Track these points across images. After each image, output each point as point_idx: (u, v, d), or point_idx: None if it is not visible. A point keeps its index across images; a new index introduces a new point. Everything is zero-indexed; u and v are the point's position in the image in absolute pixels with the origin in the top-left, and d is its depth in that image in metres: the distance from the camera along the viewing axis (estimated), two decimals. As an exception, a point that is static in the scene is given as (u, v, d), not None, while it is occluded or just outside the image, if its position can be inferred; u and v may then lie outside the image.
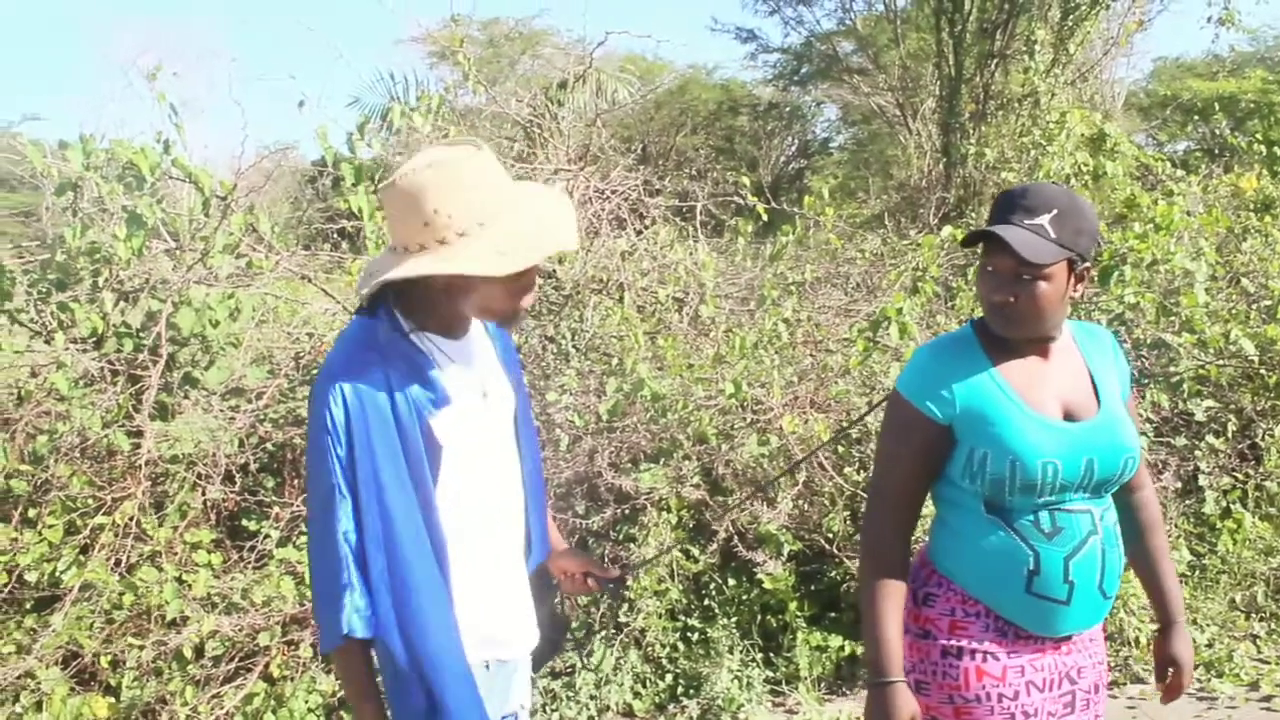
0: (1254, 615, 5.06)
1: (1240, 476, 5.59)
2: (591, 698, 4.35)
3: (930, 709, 2.18)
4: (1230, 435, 5.65)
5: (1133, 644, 4.73)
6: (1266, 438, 5.69)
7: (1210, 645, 4.77)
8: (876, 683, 2.11)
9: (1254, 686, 4.54)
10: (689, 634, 4.59)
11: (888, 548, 2.16)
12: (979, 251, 2.16)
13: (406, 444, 2.00)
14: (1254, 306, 6.17)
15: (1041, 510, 2.11)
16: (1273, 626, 5.01)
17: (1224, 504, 5.49)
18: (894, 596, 2.14)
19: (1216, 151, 13.71)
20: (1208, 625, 4.90)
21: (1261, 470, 5.59)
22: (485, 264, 1.95)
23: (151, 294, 4.71)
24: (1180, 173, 8.33)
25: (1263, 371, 5.81)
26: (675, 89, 21.89)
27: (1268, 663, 4.73)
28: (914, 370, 2.18)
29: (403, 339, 2.05)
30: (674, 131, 20.48)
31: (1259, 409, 5.81)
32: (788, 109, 21.46)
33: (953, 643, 2.16)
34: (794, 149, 22.83)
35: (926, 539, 2.33)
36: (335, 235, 5.91)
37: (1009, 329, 2.12)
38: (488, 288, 2.03)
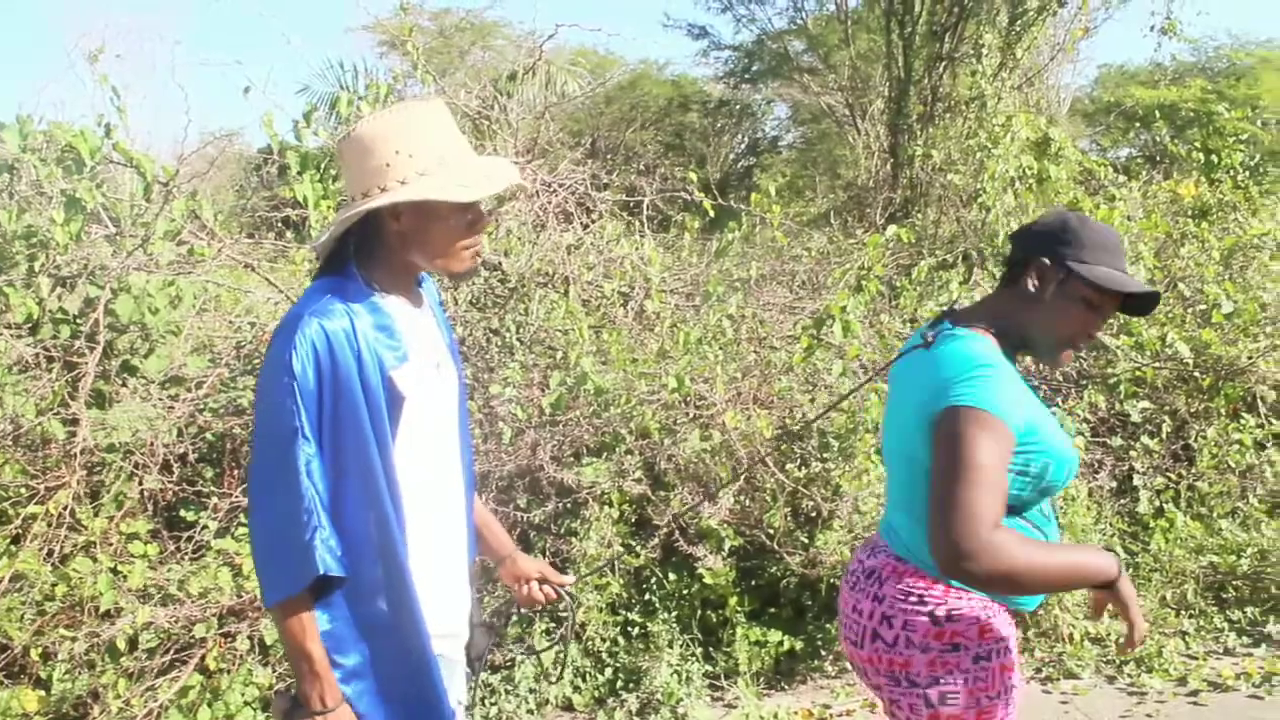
0: (1184, 612, 5.16)
1: (1173, 477, 5.71)
2: (531, 691, 4.35)
3: (953, 719, 2.19)
4: (1164, 436, 5.77)
5: (1066, 640, 4.81)
6: (1199, 439, 5.82)
7: (1141, 641, 4.85)
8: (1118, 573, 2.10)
9: (1182, 682, 4.63)
10: (629, 628, 4.60)
11: (989, 544, 1.96)
12: (1060, 288, 2.21)
13: (369, 394, 1.99)
14: (1190, 310, 6.29)
15: (1045, 500, 2.23)
16: (1201, 624, 5.11)
17: (1157, 503, 5.60)
18: (1039, 544, 2.05)
19: (1158, 158, 13.93)
20: (1139, 622, 4.98)
21: (1194, 471, 5.71)
22: (450, 192, 2.02)
23: (90, 280, 4.63)
24: (1122, 178, 8.46)
25: (1197, 374, 5.94)
26: (626, 84, 21.88)
27: (1196, 658, 4.82)
28: (990, 387, 2.08)
29: (368, 292, 2.07)
30: (624, 126, 20.47)
31: (1192, 411, 5.94)
32: (738, 106, 21.50)
33: (984, 648, 2.19)
34: (744, 146, 22.89)
35: (905, 565, 2.25)
36: (279, 224, 5.86)
37: (1070, 358, 2.28)
38: (441, 234, 2.07)
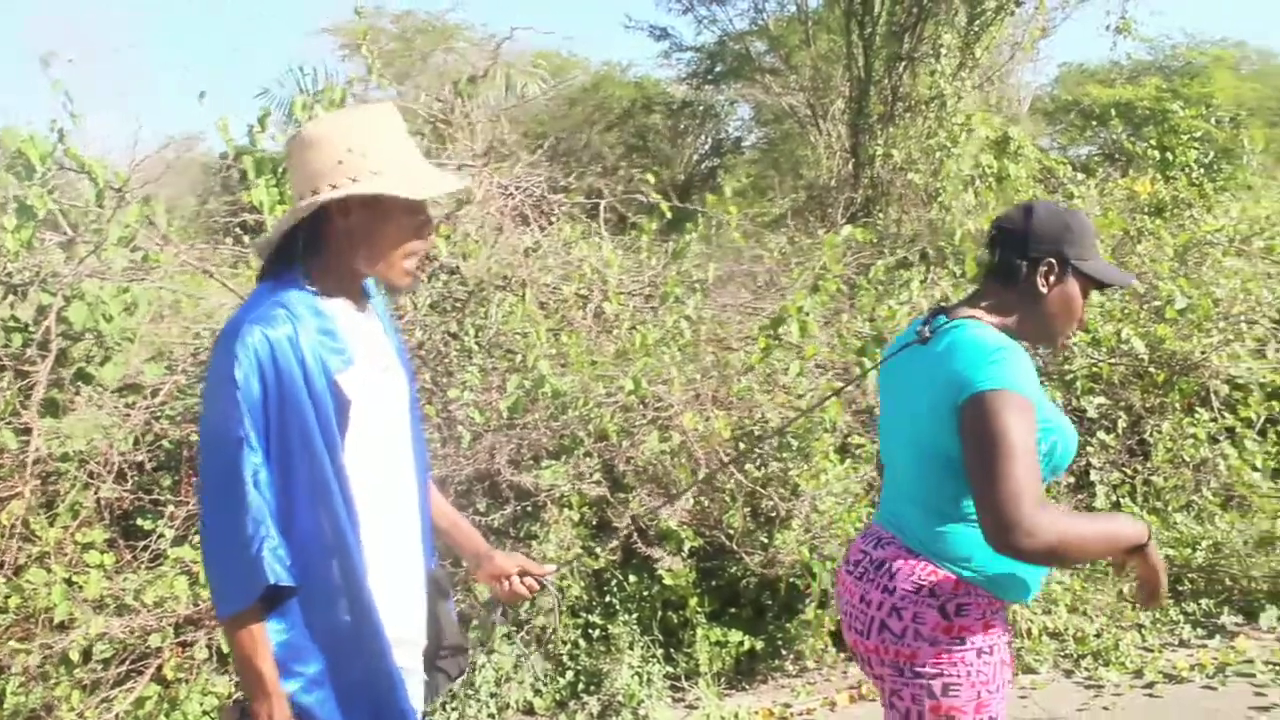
0: (1140, 606, 5.20)
1: (1129, 471, 5.77)
2: (492, 695, 4.34)
3: (954, 710, 2.22)
4: (1120, 431, 5.83)
5: (1024, 635, 4.85)
6: (1154, 434, 5.88)
7: (1099, 635, 4.91)
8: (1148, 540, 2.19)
9: (1138, 674, 4.68)
10: (590, 631, 4.60)
11: (1043, 521, 2.02)
12: (1048, 280, 2.30)
13: (315, 399, 1.98)
14: (1144, 307, 6.36)
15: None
16: (1157, 616, 5.16)
17: (1114, 498, 5.65)
18: (1079, 515, 2.24)
19: (1117, 156, 14.07)
20: (1097, 616, 5.03)
21: (1149, 465, 5.78)
22: (404, 189, 2.03)
23: (42, 287, 4.59)
24: (1080, 176, 8.54)
25: (1151, 369, 6.00)
26: (589, 86, 21.86)
27: (1151, 650, 4.88)
28: (1010, 367, 2.16)
29: (310, 297, 2.05)
30: (588, 128, 20.44)
31: (1148, 406, 6.00)
32: (701, 107, 21.50)
33: (988, 642, 2.23)
34: (708, 147, 22.89)
35: (916, 557, 2.27)
36: (237, 229, 5.82)
37: (1068, 341, 2.40)
38: (389, 235, 2.07)
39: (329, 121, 2.08)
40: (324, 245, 2.08)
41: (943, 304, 2.45)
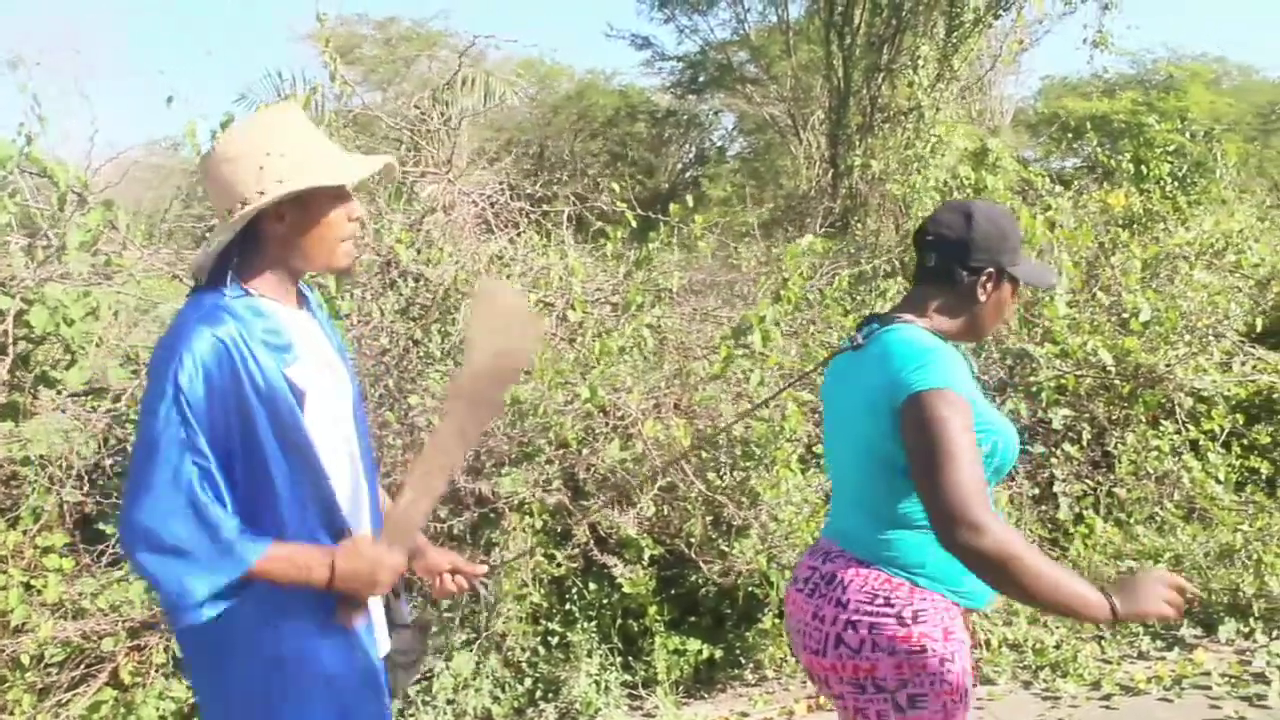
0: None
1: (1092, 483, 5.80)
2: (449, 703, 4.33)
3: None
4: (1085, 443, 5.85)
5: (983, 646, 4.87)
6: (1118, 446, 5.91)
7: (1058, 647, 4.92)
8: (1112, 611, 2.00)
9: (1096, 686, 4.69)
10: (549, 638, 4.60)
11: (996, 522, 1.99)
12: (989, 283, 2.34)
13: (271, 396, 1.98)
14: (1111, 319, 6.39)
15: (989, 489, 2.25)
16: (1118, 628, 5.18)
17: (1077, 510, 5.68)
18: (1047, 559, 2.01)
19: (1097, 169, 14.14)
20: (1057, 627, 5.05)
21: (1112, 477, 5.80)
22: (332, 176, 2.07)
23: (1, 290, 4.57)
24: (1058, 188, 8.58)
25: (1117, 381, 6.03)
26: (574, 94, 21.91)
27: (1110, 662, 4.89)
28: (943, 367, 2.17)
29: (248, 298, 2.06)
30: (572, 136, 20.46)
31: (1112, 418, 6.03)
32: (685, 116, 21.56)
33: (949, 649, 2.19)
34: (691, 156, 22.95)
35: (868, 568, 2.25)
36: (205, 234, 5.82)
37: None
38: (325, 228, 2.09)
39: (238, 132, 2.08)
40: (259, 253, 2.09)
41: (875, 311, 2.48)
